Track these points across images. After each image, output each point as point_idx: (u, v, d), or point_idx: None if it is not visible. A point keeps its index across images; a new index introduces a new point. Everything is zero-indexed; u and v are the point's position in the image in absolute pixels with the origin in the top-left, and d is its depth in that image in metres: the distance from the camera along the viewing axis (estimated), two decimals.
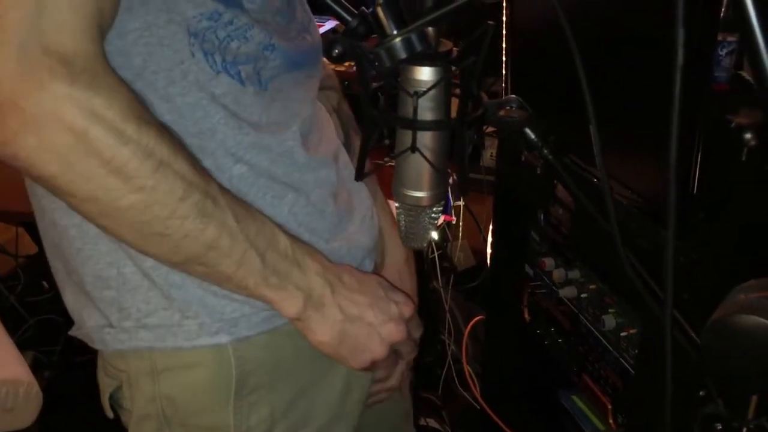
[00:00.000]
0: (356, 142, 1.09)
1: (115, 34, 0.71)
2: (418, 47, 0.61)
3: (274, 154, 0.82)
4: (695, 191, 0.99)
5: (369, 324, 0.82)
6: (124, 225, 0.70)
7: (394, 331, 0.84)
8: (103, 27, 0.67)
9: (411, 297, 0.89)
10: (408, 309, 0.87)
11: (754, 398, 0.53)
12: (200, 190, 0.70)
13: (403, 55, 0.61)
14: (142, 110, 0.68)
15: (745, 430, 0.54)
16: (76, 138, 0.64)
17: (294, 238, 0.79)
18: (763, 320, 0.47)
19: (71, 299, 0.88)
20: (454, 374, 2.03)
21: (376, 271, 1.02)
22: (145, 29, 0.72)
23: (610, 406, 1.32)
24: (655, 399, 1.11)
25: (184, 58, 0.74)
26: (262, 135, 0.81)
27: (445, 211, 2.01)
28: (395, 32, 0.61)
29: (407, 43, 0.61)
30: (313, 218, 0.86)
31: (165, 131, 0.69)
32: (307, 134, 0.87)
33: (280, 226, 0.78)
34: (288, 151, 0.84)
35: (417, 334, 0.93)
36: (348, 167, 0.96)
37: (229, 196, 0.74)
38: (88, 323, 0.85)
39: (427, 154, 0.70)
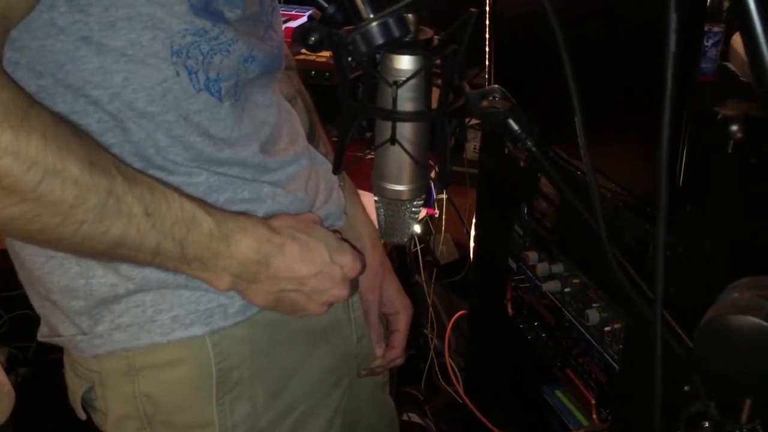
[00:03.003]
0: (319, 126, 1.07)
1: (94, 50, 0.69)
2: (396, 33, 0.58)
3: (247, 165, 0.81)
4: (681, 184, 0.98)
5: (309, 291, 0.80)
6: (12, 233, 0.67)
7: (335, 296, 0.82)
8: (5, 26, 0.62)
9: (361, 254, 0.86)
10: (354, 269, 0.83)
11: (748, 401, 0.52)
12: (99, 192, 0.65)
13: (379, 40, 0.58)
14: (25, 113, 0.61)
15: None
16: None
17: (224, 213, 0.76)
18: (758, 320, 0.45)
19: (38, 304, 0.86)
20: (437, 368, 2.02)
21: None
22: (129, 47, 0.70)
23: (593, 401, 1.31)
24: (640, 394, 1.10)
25: (167, 76, 0.72)
26: (237, 149, 0.80)
27: (427, 205, 2.00)
28: (372, 16, 0.58)
29: (384, 27, 0.58)
30: (293, 203, 0.86)
31: (53, 131, 0.63)
32: (277, 139, 0.86)
33: (207, 203, 0.75)
34: (260, 164, 0.82)
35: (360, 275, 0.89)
36: (313, 153, 0.95)
37: (139, 187, 0.68)
38: (60, 331, 0.83)
39: (408, 146, 0.68)
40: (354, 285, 0.86)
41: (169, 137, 0.75)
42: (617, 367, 1.21)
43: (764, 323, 0.45)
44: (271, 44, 0.83)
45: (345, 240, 0.86)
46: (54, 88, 0.70)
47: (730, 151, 0.94)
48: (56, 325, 0.83)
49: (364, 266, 0.86)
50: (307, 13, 2.03)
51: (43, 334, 0.87)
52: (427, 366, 2.05)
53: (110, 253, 0.70)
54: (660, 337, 0.48)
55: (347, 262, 0.82)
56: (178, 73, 0.73)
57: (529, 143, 0.68)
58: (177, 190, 0.73)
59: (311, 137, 1.02)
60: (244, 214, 0.79)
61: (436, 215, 2.04)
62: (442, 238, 2.15)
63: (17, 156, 0.60)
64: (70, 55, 0.69)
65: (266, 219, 0.80)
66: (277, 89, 0.88)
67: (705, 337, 0.48)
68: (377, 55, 0.67)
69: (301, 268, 0.79)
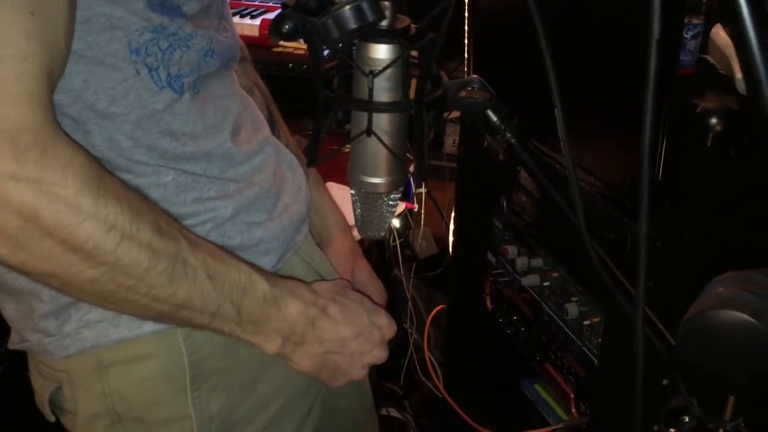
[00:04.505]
0: (279, 117, 1.07)
1: None
2: (370, 17, 0.57)
3: (212, 157, 0.80)
4: (660, 177, 0.97)
5: (351, 353, 0.83)
6: (87, 294, 0.68)
7: (376, 357, 0.86)
8: (52, 84, 0.63)
9: (391, 317, 0.90)
10: (391, 331, 0.87)
11: (731, 399, 0.51)
12: (169, 255, 0.68)
13: (353, 24, 0.57)
14: (100, 178, 0.64)
15: (721, 431, 0.52)
16: (25, 220, 0.60)
17: (275, 277, 0.79)
18: (744, 316, 0.44)
19: (4, 306, 0.83)
20: (416, 363, 2.01)
21: (318, 243, 1.03)
22: (87, 49, 0.69)
23: (572, 396, 1.31)
24: (618, 388, 1.10)
25: (127, 75, 0.72)
26: (200, 142, 0.79)
27: (407, 199, 1.98)
28: (344, 0, 0.57)
29: (357, 11, 0.56)
30: (261, 197, 0.86)
31: (125, 195, 0.66)
32: (240, 128, 0.85)
33: (260, 268, 0.78)
34: (226, 154, 0.82)
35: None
36: (276, 143, 0.95)
37: (201, 251, 0.71)
38: (27, 336, 0.81)
39: (384, 137, 0.66)
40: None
41: (131, 138, 0.74)
42: (596, 361, 1.21)
43: (750, 319, 0.44)
44: (226, 35, 0.83)
45: (378, 303, 0.90)
46: None
47: (709, 144, 0.93)
48: (23, 331, 0.82)
49: (395, 330, 0.89)
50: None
51: (12, 342, 0.85)
52: (406, 361, 2.04)
53: (172, 314, 0.71)
54: (641, 333, 0.47)
55: (384, 323, 0.86)
56: (138, 72, 0.72)
57: (508, 134, 0.67)
58: (233, 254, 0.76)
59: (271, 128, 1.01)
60: (290, 278, 0.82)
61: (415, 209, 2.03)
62: (421, 232, 2.14)
63: (98, 219, 0.63)
64: None
65: (308, 284, 0.83)
66: (235, 79, 0.88)
67: (689, 333, 0.47)
68: (353, 46, 0.65)
69: (343, 329, 0.82)
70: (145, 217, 0.67)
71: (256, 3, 2.05)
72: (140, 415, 0.82)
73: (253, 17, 1.95)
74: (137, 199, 0.68)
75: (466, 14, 1.41)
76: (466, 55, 1.45)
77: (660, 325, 0.63)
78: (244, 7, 2.01)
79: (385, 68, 0.62)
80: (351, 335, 0.82)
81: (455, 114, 1.88)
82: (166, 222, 0.70)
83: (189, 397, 0.82)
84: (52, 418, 0.88)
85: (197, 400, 0.82)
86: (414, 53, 0.65)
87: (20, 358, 0.90)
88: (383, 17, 0.60)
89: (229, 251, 0.76)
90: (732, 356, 0.45)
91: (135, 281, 0.67)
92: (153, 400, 0.82)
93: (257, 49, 1.05)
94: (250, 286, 0.75)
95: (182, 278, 0.69)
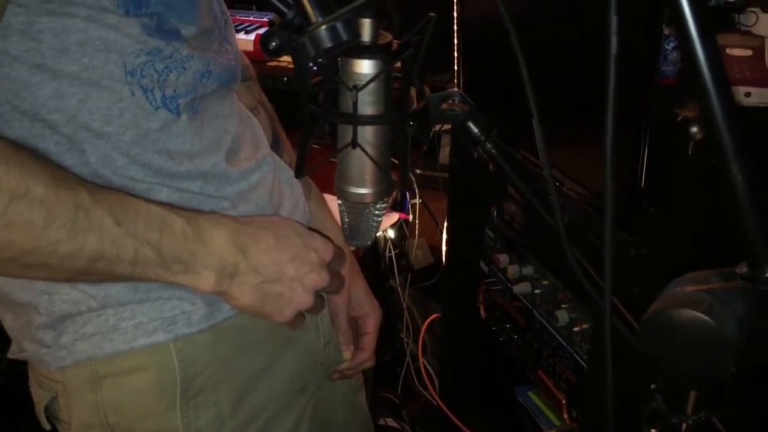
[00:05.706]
0: (283, 136, 1.08)
1: (48, 76, 0.69)
2: (344, 36, 0.59)
3: (209, 176, 0.81)
4: (643, 185, 0.99)
5: (290, 279, 0.80)
6: None
7: (316, 280, 0.82)
8: None
9: (329, 238, 0.87)
10: (328, 252, 0.84)
11: (693, 394, 0.53)
12: (67, 208, 0.66)
13: (328, 43, 0.58)
14: None
15: (684, 425, 0.54)
16: None
17: (193, 212, 0.76)
18: (699, 314, 0.46)
19: (3, 318, 0.85)
20: (413, 372, 2.03)
21: None
22: (82, 71, 0.70)
23: (564, 401, 1.32)
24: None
25: (123, 96, 0.73)
26: (197, 161, 0.80)
27: (401, 210, 2.00)
28: (320, 20, 0.59)
29: (332, 31, 0.58)
30: (256, 212, 0.86)
31: (14, 156, 0.64)
32: (239, 148, 0.86)
33: (171, 205, 0.75)
34: (221, 174, 0.82)
35: (341, 267, 0.89)
36: (276, 160, 0.95)
37: (104, 200, 0.69)
38: (24, 346, 0.83)
39: (369, 149, 0.68)
40: (334, 275, 0.85)
41: (126, 156, 0.75)
42: (586, 366, 1.22)
43: (704, 317, 0.46)
44: (227, 57, 0.84)
45: (313, 229, 0.87)
46: (11, 114, 0.70)
47: (690, 152, 0.95)
48: (21, 341, 0.83)
49: (342, 255, 0.86)
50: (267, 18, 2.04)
51: (12, 352, 0.87)
52: (403, 370, 2.06)
53: (91, 270, 0.70)
54: (609, 326, 0.49)
55: (319, 245, 0.83)
56: (133, 93, 0.73)
57: (488, 145, 0.69)
58: (146, 199, 0.73)
59: (275, 147, 1.02)
60: (212, 212, 0.79)
61: (410, 220, 2.05)
62: (416, 242, 2.15)
63: None
64: (25, 83, 0.69)
65: (233, 216, 0.81)
66: (235, 99, 0.89)
67: (649, 331, 0.49)
68: (339, 60, 0.67)
69: (277, 254, 0.79)
70: (37, 173, 0.65)
71: (251, 18, 2.08)
72: (132, 427, 0.83)
73: (247, 32, 1.98)
74: (27, 158, 0.66)
75: (455, 27, 1.44)
76: (456, 68, 1.47)
77: (634, 323, 0.65)
78: (238, 23, 2.04)
79: (368, 83, 0.64)
80: (286, 260, 0.80)
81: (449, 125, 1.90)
82: (63, 175, 0.68)
83: (178, 411, 0.82)
84: (48, 427, 0.89)
85: (185, 413, 0.83)
86: (397, 67, 0.68)
87: (21, 371, 0.91)
88: (358, 36, 0.62)
89: (141, 196, 0.74)
90: (689, 353, 0.48)
91: (35, 242, 0.65)
92: (144, 412, 0.83)
93: (252, 63, 1.07)
94: (166, 226, 0.72)
95: (87, 229, 0.67)
